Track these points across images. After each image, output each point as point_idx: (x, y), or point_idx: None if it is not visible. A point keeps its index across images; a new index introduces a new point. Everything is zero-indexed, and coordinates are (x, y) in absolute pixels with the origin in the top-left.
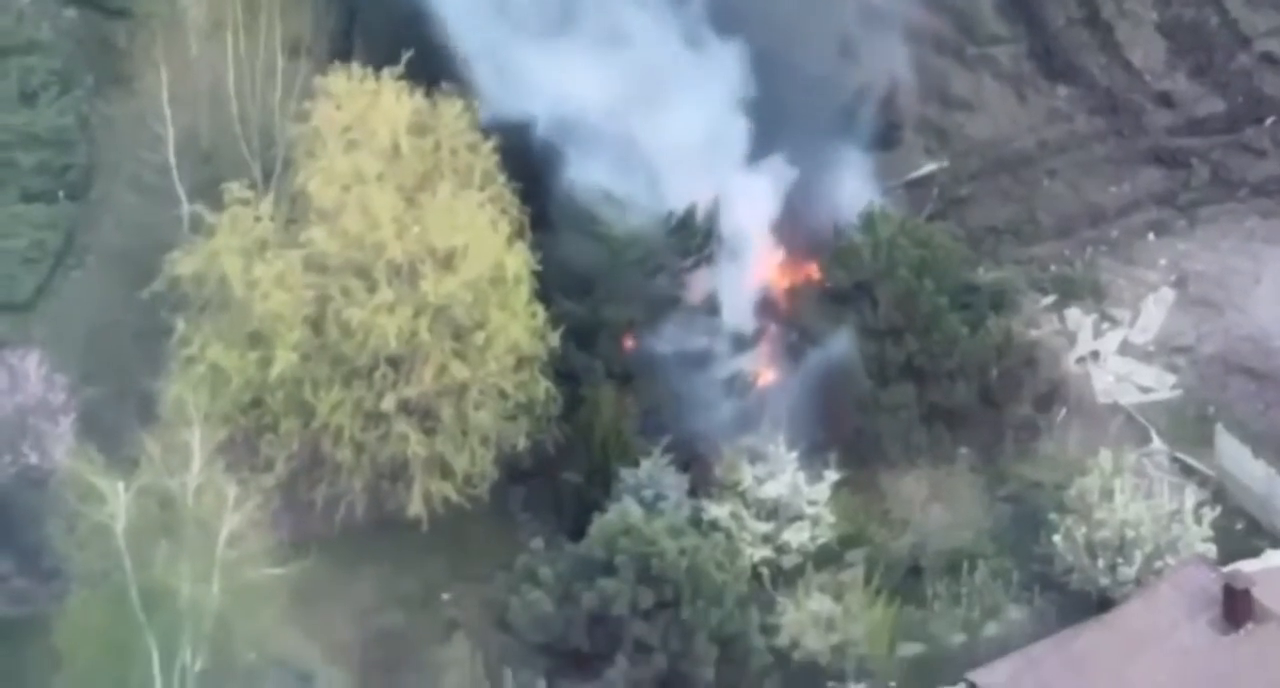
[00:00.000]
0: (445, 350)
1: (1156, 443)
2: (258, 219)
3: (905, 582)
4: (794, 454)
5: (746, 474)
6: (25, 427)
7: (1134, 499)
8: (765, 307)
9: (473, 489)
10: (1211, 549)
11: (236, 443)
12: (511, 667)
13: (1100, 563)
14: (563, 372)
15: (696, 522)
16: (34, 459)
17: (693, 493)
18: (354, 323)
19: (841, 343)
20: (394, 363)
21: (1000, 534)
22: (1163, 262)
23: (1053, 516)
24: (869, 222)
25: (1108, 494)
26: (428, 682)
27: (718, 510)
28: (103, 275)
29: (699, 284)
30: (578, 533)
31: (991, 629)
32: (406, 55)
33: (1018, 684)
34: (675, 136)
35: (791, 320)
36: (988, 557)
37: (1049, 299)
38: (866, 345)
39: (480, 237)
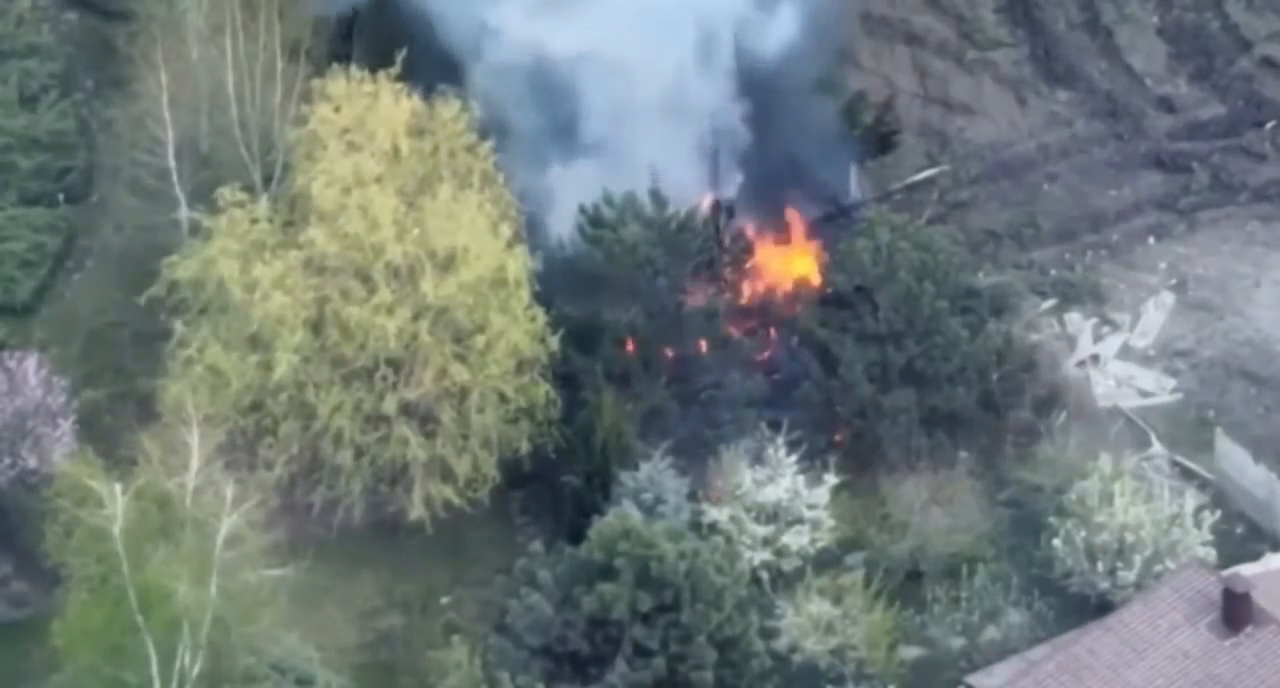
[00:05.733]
0: (446, 353)
1: (1156, 447)
2: (254, 222)
3: (905, 585)
4: (794, 458)
5: (746, 478)
6: (24, 430)
7: (1134, 503)
8: (765, 310)
9: (474, 493)
10: (1211, 553)
11: (236, 444)
12: (510, 670)
13: (1100, 567)
14: (563, 375)
15: (696, 525)
16: (33, 462)
17: (692, 496)
18: (353, 324)
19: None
20: (394, 365)
21: (1000, 538)
22: (1163, 266)
23: (1052, 519)
24: (869, 225)
25: (1107, 498)
26: (427, 685)
27: (717, 514)
28: (102, 278)
29: (699, 288)
30: (577, 537)
31: (991, 633)
32: (402, 56)
33: None
34: (676, 138)
35: (792, 324)
36: (987, 560)
37: (1049, 303)
38: (867, 349)
39: (480, 239)
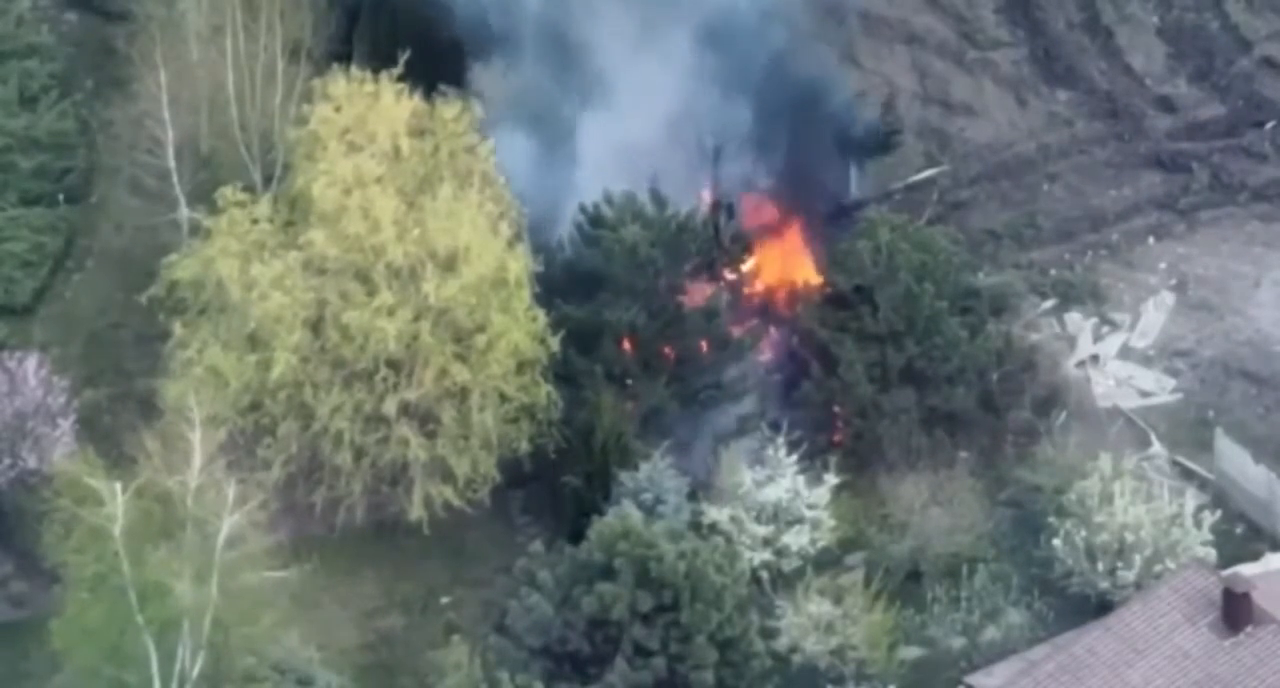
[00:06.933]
0: (446, 353)
1: (1156, 447)
2: (255, 222)
3: (905, 586)
4: (794, 458)
5: (746, 478)
6: (24, 430)
7: (1133, 503)
8: (765, 310)
9: (474, 493)
10: (1211, 553)
11: (237, 444)
12: (510, 670)
13: (1100, 567)
14: (563, 375)
15: (696, 525)
16: (33, 462)
17: (692, 496)
18: (354, 326)
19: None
20: (394, 366)
21: (1000, 538)
22: (1163, 266)
23: (1052, 519)
24: (869, 225)
25: (1107, 498)
26: (426, 685)
27: (717, 514)
28: (102, 279)
29: (699, 288)
30: (577, 537)
31: (991, 633)
32: (404, 57)
33: None
34: (674, 139)
35: (792, 324)
36: (987, 561)
37: (1049, 303)
38: (867, 349)
39: (481, 239)
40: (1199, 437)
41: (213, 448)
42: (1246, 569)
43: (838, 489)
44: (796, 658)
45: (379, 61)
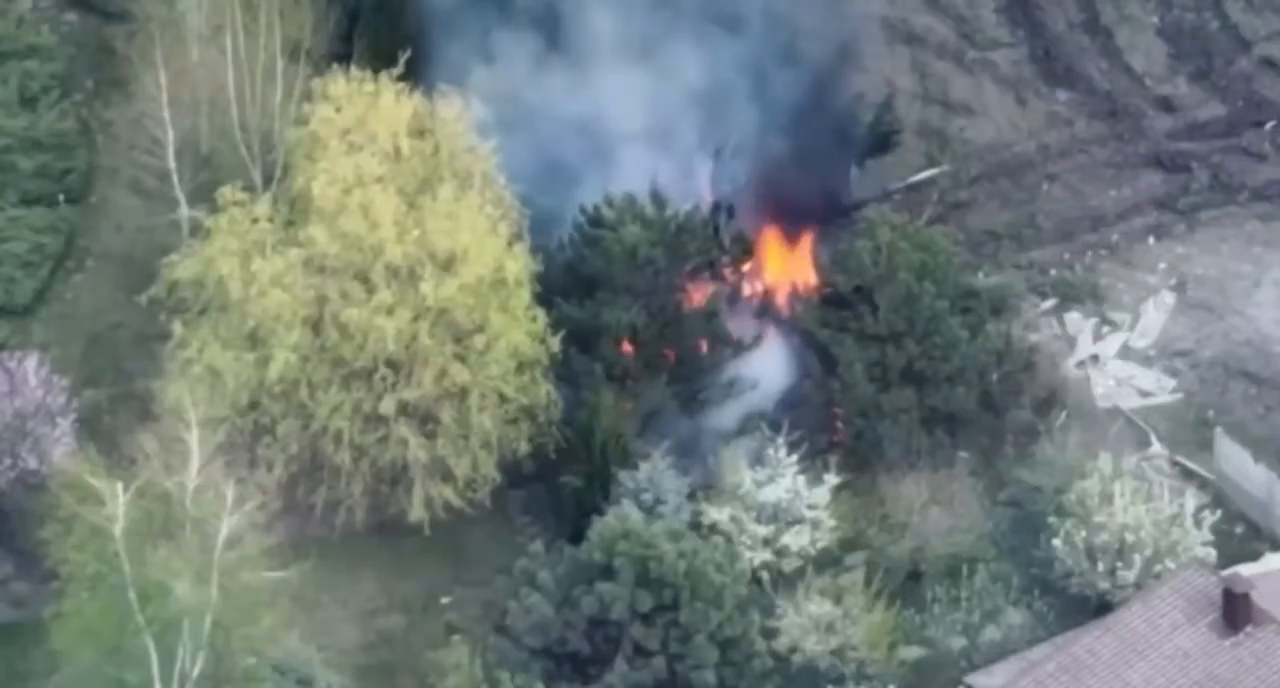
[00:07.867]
0: (446, 353)
1: (1156, 447)
2: (255, 221)
3: (905, 586)
4: (794, 458)
5: (746, 478)
6: (24, 430)
7: (1133, 503)
8: (765, 310)
9: (474, 493)
10: (1211, 553)
11: (236, 444)
12: (510, 671)
13: (1100, 567)
14: (563, 375)
15: (696, 525)
16: (33, 462)
17: (692, 496)
18: (353, 325)
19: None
20: (394, 365)
21: (1000, 538)
22: (1163, 266)
23: (1052, 519)
24: (869, 225)
25: (1107, 498)
26: (427, 685)
27: (717, 514)
28: (102, 279)
29: (699, 288)
30: (577, 537)
31: (991, 633)
32: (405, 57)
33: None
34: (675, 141)
35: (792, 324)
36: (987, 561)
37: (1049, 303)
38: (867, 349)
39: (480, 239)
40: (1199, 437)
41: (211, 449)
42: (1246, 569)
43: (838, 489)
44: (796, 658)
45: (379, 61)
